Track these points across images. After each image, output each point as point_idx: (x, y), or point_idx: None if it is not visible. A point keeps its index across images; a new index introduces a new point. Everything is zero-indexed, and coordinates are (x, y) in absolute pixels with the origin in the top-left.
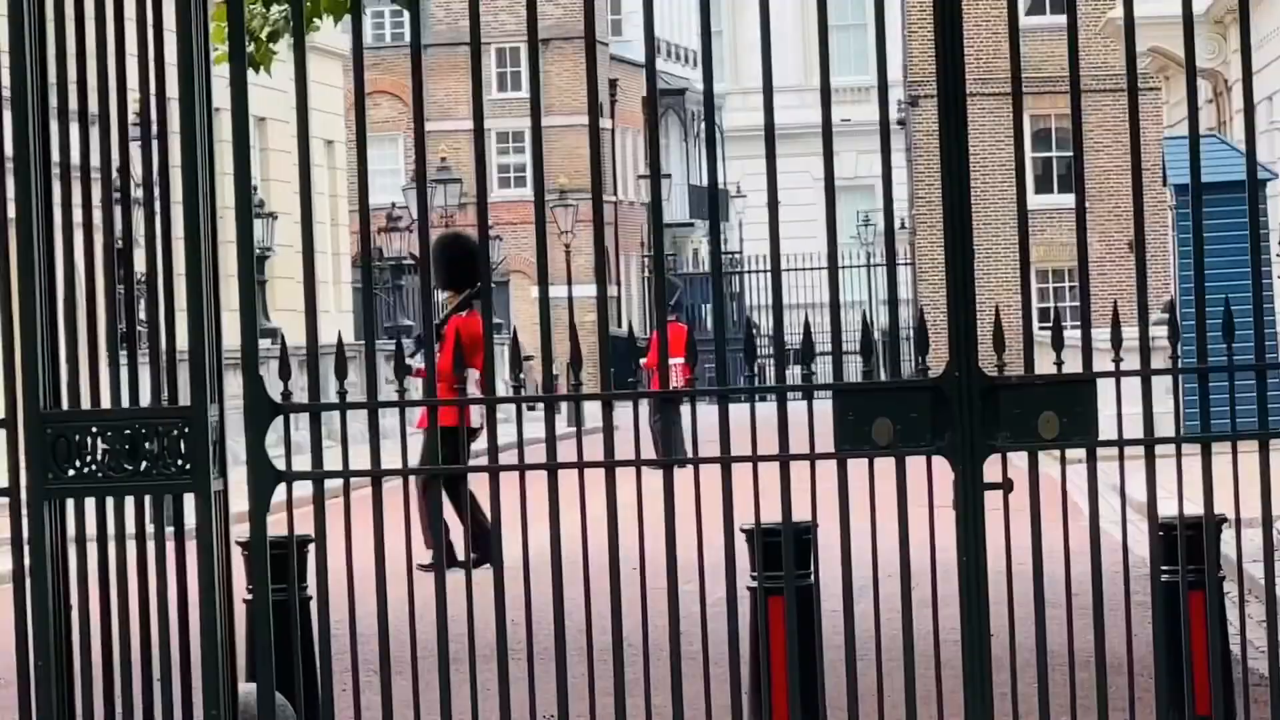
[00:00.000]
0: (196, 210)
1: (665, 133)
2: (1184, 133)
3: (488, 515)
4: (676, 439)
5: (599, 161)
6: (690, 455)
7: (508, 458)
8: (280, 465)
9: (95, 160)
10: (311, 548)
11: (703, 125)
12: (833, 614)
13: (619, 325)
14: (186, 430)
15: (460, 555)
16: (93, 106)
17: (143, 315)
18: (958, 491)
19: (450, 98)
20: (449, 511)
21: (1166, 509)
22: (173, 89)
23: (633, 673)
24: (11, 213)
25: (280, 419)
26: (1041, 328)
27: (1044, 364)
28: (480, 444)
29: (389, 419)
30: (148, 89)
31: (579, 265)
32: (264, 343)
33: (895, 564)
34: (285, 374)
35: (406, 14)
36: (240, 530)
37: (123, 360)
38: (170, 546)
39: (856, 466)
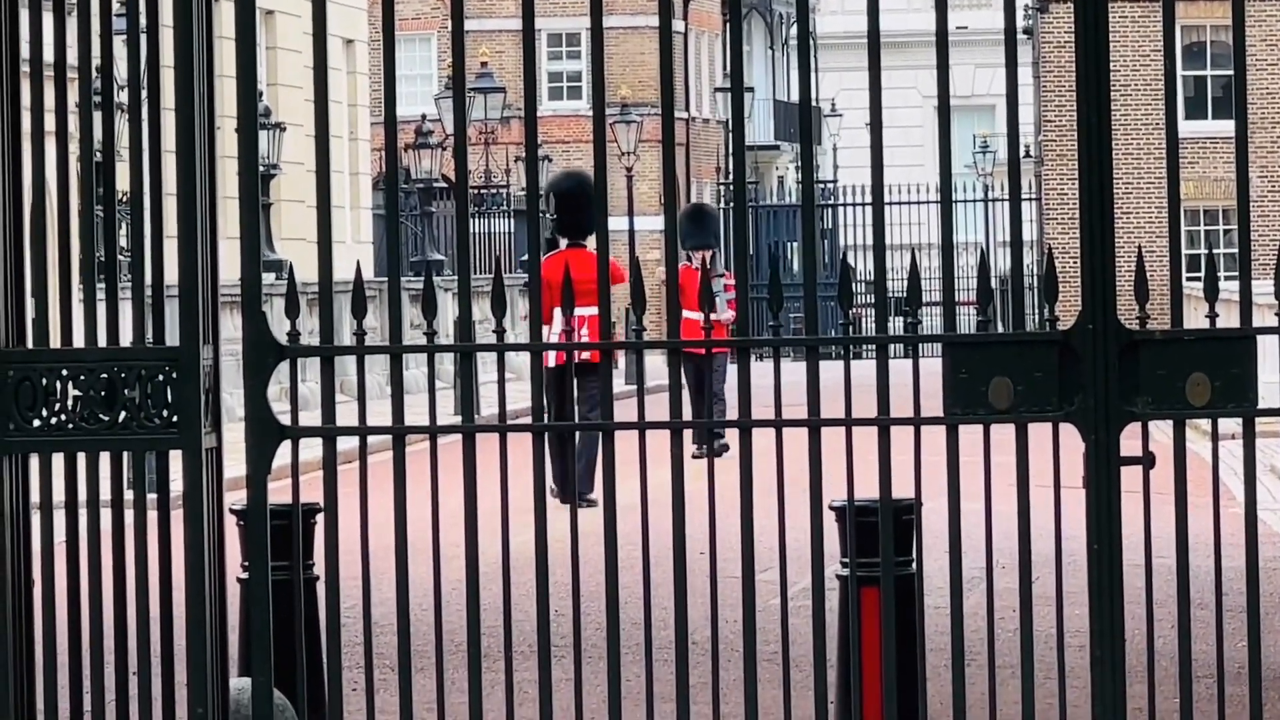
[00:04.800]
0: (192, 118)
1: (747, 38)
2: None
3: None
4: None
5: (670, 69)
6: (772, 418)
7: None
8: (285, 420)
9: (72, 57)
10: (320, 519)
11: (792, 29)
12: (937, 610)
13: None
14: (174, 375)
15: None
16: None
17: (125, 241)
18: (1089, 467)
19: None
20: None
21: None
22: None
23: (699, 675)
24: None
25: (286, 365)
26: (1191, 276)
27: (1194, 319)
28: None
29: (414, 369)
30: None
31: (642, 192)
32: (267, 277)
33: (1013, 552)
34: (293, 312)
35: None
36: (236, 497)
37: (100, 293)
38: (152, 514)
39: (969, 434)
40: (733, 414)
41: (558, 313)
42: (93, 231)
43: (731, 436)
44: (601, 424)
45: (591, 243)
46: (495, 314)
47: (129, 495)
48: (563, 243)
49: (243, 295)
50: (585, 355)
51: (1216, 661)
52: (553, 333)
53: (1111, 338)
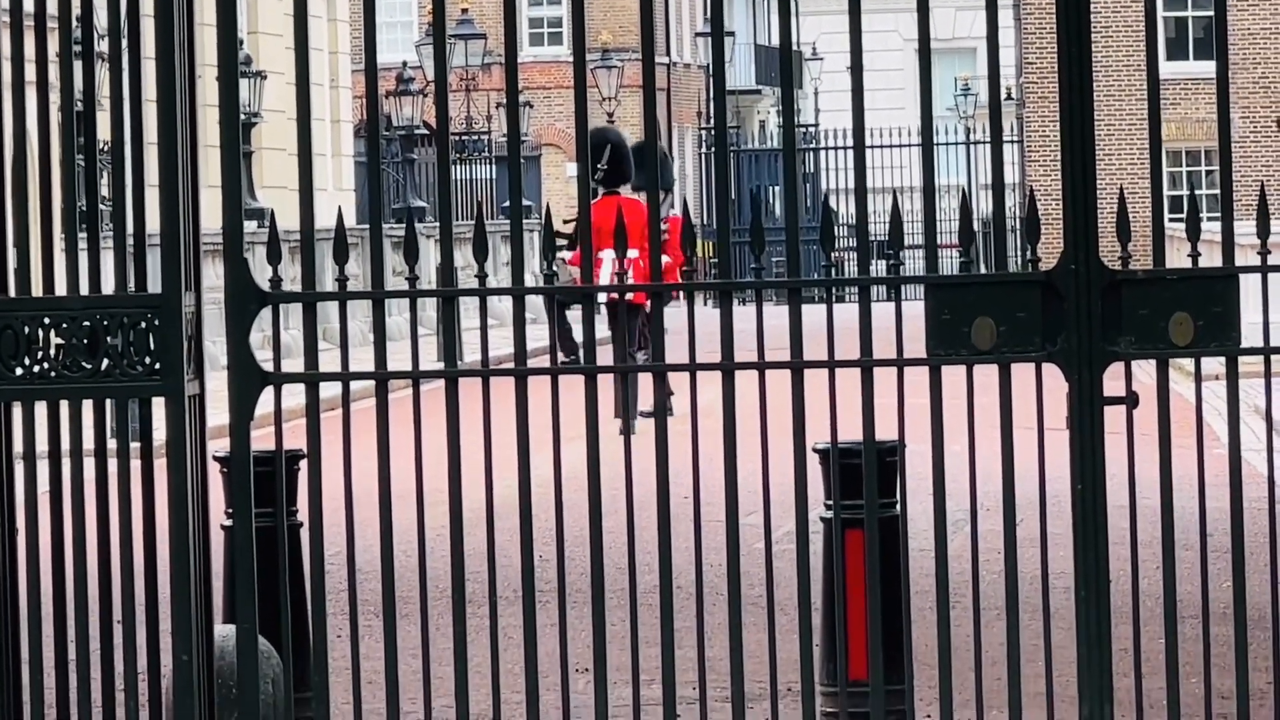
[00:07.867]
0: (172, 66)
1: None
2: None
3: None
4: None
5: (651, 12)
6: (755, 360)
7: (541, 361)
8: (267, 366)
9: (51, 6)
10: (304, 465)
11: None
12: (921, 552)
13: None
14: (156, 322)
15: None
16: None
17: (106, 190)
18: (1072, 407)
19: None
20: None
21: None
22: None
23: (683, 620)
24: None
25: (268, 311)
26: (1173, 217)
27: (1177, 259)
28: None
29: (397, 315)
30: None
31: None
32: (249, 224)
33: (997, 494)
34: (275, 258)
35: None
36: (219, 444)
37: (82, 241)
38: (136, 461)
39: (952, 375)
40: (713, 358)
41: (606, 254)
42: (74, 181)
43: (712, 380)
44: (584, 368)
45: (626, 190)
46: (477, 259)
47: (112, 444)
48: (600, 191)
49: (224, 241)
50: (629, 296)
51: (1201, 602)
52: (603, 274)
53: (1094, 277)
